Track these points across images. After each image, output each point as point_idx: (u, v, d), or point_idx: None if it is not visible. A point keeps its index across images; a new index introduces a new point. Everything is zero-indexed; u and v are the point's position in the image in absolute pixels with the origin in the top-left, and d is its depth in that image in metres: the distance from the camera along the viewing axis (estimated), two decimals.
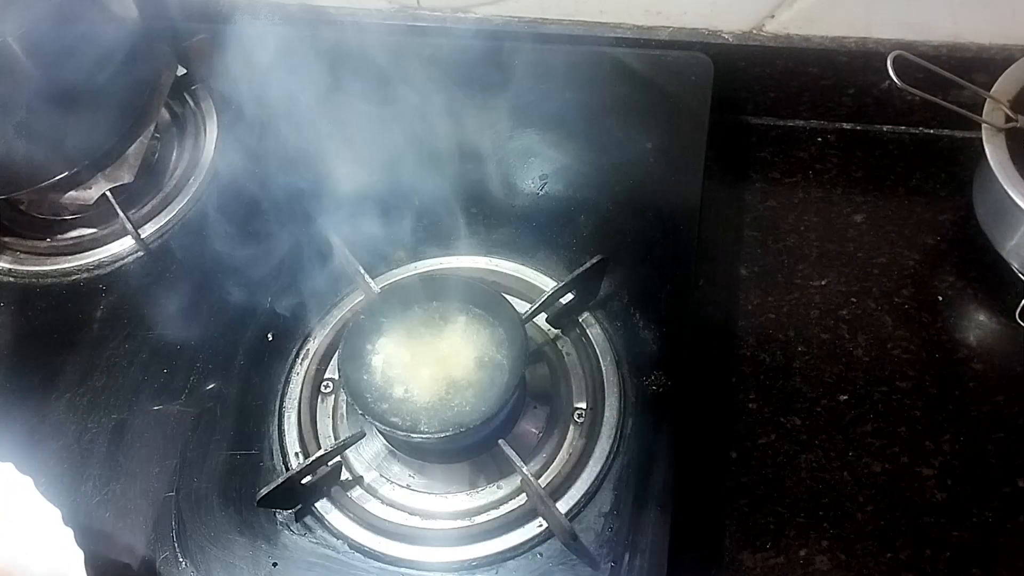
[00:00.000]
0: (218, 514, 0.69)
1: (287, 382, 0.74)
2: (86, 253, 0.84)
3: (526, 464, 0.66)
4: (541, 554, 0.66)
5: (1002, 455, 0.74)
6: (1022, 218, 0.73)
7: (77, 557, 0.62)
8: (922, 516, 0.72)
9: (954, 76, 0.76)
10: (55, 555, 0.63)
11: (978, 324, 0.81)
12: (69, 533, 0.63)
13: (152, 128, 0.86)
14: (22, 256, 0.85)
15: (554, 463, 0.69)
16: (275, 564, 0.67)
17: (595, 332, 0.74)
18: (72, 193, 0.84)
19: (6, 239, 0.85)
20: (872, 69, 0.87)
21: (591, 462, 0.68)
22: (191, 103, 0.92)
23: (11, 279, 0.83)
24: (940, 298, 0.82)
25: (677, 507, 0.66)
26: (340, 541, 0.67)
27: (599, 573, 0.64)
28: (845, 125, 0.94)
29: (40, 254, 0.85)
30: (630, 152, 0.85)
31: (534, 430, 0.70)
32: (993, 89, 0.77)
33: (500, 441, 0.67)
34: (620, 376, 0.72)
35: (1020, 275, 0.79)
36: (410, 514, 0.68)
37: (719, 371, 0.79)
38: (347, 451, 0.70)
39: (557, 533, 0.65)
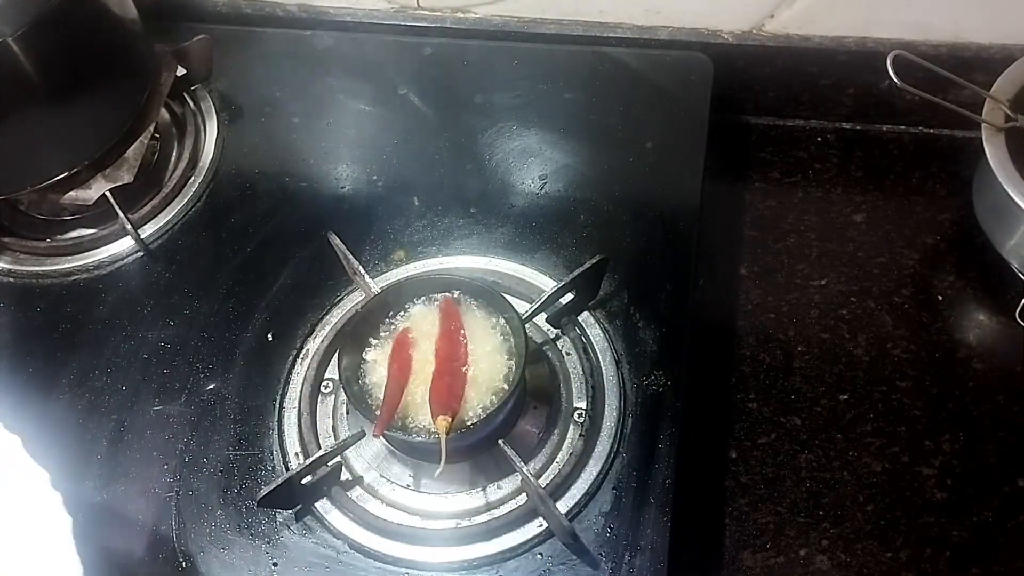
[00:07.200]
0: (218, 514, 0.69)
1: (287, 382, 0.74)
2: (86, 253, 0.84)
3: (526, 464, 0.66)
4: (541, 554, 0.66)
5: (1002, 455, 0.74)
6: (1022, 218, 0.73)
7: (65, 523, 0.59)
8: (922, 516, 0.72)
9: (954, 76, 0.76)
10: (41, 519, 0.59)
11: (978, 324, 0.81)
12: (58, 497, 0.60)
13: (152, 128, 0.86)
14: (22, 256, 0.85)
15: (554, 463, 0.69)
16: (275, 564, 0.67)
17: (595, 332, 0.74)
18: (72, 193, 0.84)
19: (6, 239, 0.85)
20: (872, 69, 0.87)
21: (591, 462, 0.68)
22: (191, 103, 0.92)
23: (11, 279, 0.83)
24: (940, 298, 0.82)
25: (677, 507, 0.66)
26: (340, 541, 0.67)
27: (599, 573, 0.64)
28: (845, 125, 0.94)
29: (40, 254, 0.84)
30: (630, 152, 0.85)
31: (534, 430, 0.70)
32: (993, 89, 0.77)
33: (500, 441, 0.67)
34: (620, 376, 0.72)
35: (1020, 275, 0.79)
36: (410, 514, 0.68)
37: (719, 371, 0.79)
38: (347, 451, 0.70)
39: (557, 533, 0.65)
